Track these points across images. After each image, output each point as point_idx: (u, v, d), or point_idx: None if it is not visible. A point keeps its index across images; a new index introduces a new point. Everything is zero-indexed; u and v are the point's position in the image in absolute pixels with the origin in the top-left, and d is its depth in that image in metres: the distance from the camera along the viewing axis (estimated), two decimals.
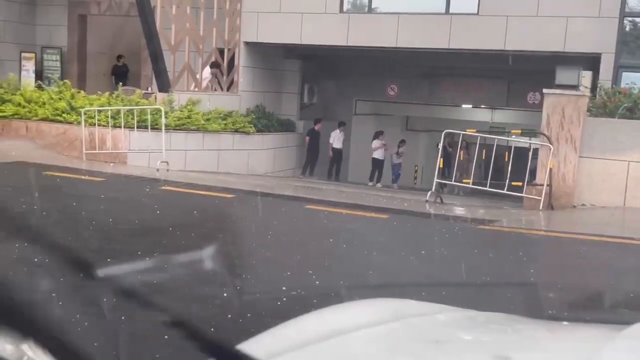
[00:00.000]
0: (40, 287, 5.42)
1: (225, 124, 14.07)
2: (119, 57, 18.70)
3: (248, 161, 14.66)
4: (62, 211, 7.92)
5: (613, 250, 7.77)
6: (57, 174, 10.47)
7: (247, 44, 15.83)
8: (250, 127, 14.57)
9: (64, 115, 13.28)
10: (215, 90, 15.60)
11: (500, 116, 19.61)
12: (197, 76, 15.01)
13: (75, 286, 5.42)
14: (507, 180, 10.88)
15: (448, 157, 13.51)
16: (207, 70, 15.30)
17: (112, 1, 18.16)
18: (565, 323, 1.57)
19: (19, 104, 13.69)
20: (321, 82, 18.33)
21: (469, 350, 1.25)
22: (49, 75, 17.28)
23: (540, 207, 10.46)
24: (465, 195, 14.05)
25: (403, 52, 15.39)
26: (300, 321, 1.46)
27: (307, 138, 16.94)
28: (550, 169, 10.49)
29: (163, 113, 12.59)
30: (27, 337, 0.95)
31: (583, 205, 10.59)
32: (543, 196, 10.45)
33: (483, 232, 8.72)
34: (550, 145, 10.53)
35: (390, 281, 5.78)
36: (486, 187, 11.29)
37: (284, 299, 5.08)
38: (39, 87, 14.89)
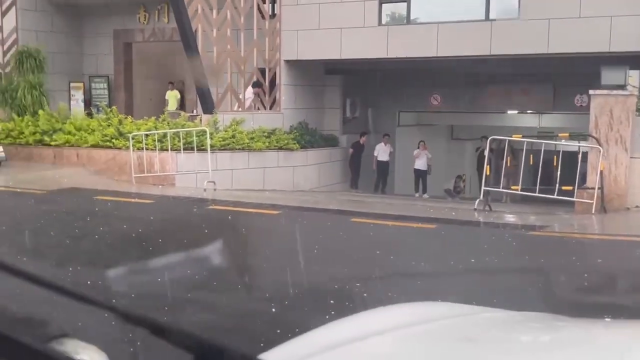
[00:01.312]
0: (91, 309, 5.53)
1: (270, 142, 14.20)
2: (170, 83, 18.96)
3: (293, 178, 14.74)
4: (113, 233, 8.08)
5: None
6: (107, 198, 10.70)
7: (287, 62, 15.96)
8: (294, 143, 14.66)
9: (112, 141, 13.60)
10: (258, 109, 15.77)
11: (548, 121, 19.25)
12: (240, 96, 15.20)
13: (129, 307, 5.52)
14: (557, 185, 10.65)
15: (491, 164, 13.35)
16: (250, 90, 15.48)
17: (156, 28, 18.57)
18: (607, 319, 1.53)
19: (69, 133, 14.07)
20: (363, 96, 18.35)
21: (503, 347, 1.22)
22: (97, 103, 17.75)
23: (593, 211, 10.20)
24: (513, 202, 13.81)
25: (444, 61, 15.29)
26: (337, 324, 1.46)
27: (351, 150, 17.00)
28: (601, 172, 10.25)
29: (208, 134, 12.77)
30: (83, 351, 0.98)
31: (637, 207, 10.30)
32: (595, 199, 10.20)
33: (534, 238, 8.56)
34: (600, 147, 10.29)
35: (438, 290, 5.71)
36: (535, 193, 11.07)
37: (333, 312, 5.07)
38: (88, 115, 15.30)
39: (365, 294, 5.63)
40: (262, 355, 1.34)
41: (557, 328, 1.40)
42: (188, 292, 5.86)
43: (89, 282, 6.20)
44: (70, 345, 1.00)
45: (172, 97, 18.18)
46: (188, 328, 0.91)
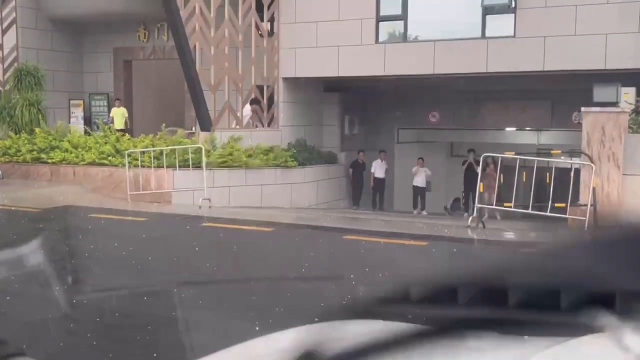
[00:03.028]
0: (79, 327, 5.55)
1: (267, 159, 14.23)
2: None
3: (291, 195, 14.74)
4: (102, 252, 8.10)
5: None
6: (102, 216, 10.72)
7: (285, 79, 16.04)
8: (292, 161, 14.68)
9: (109, 158, 13.64)
10: (256, 126, 15.83)
11: (547, 138, 19.23)
12: (238, 114, 15.26)
13: (112, 326, 5.53)
14: (550, 202, 10.64)
15: (474, 180, 13.42)
16: (248, 108, 15.55)
17: (156, 45, 18.71)
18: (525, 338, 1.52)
19: (66, 150, 14.13)
20: (361, 113, 18.40)
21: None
22: (96, 120, 17.85)
23: (586, 228, 10.17)
24: (506, 219, 13.76)
25: (442, 79, 15.35)
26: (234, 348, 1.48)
27: (351, 170, 17.10)
28: (594, 188, 10.24)
29: (203, 151, 12.81)
30: None
31: None
32: (587, 216, 10.18)
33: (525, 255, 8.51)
34: (592, 164, 10.29)
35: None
36: (528, 209, 11.05)
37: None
38: (86, 132, 15.37)
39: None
40: None
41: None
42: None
43: (74, 301, 6.22)
44: None
45: (119, 114, 17.40)
46: None
